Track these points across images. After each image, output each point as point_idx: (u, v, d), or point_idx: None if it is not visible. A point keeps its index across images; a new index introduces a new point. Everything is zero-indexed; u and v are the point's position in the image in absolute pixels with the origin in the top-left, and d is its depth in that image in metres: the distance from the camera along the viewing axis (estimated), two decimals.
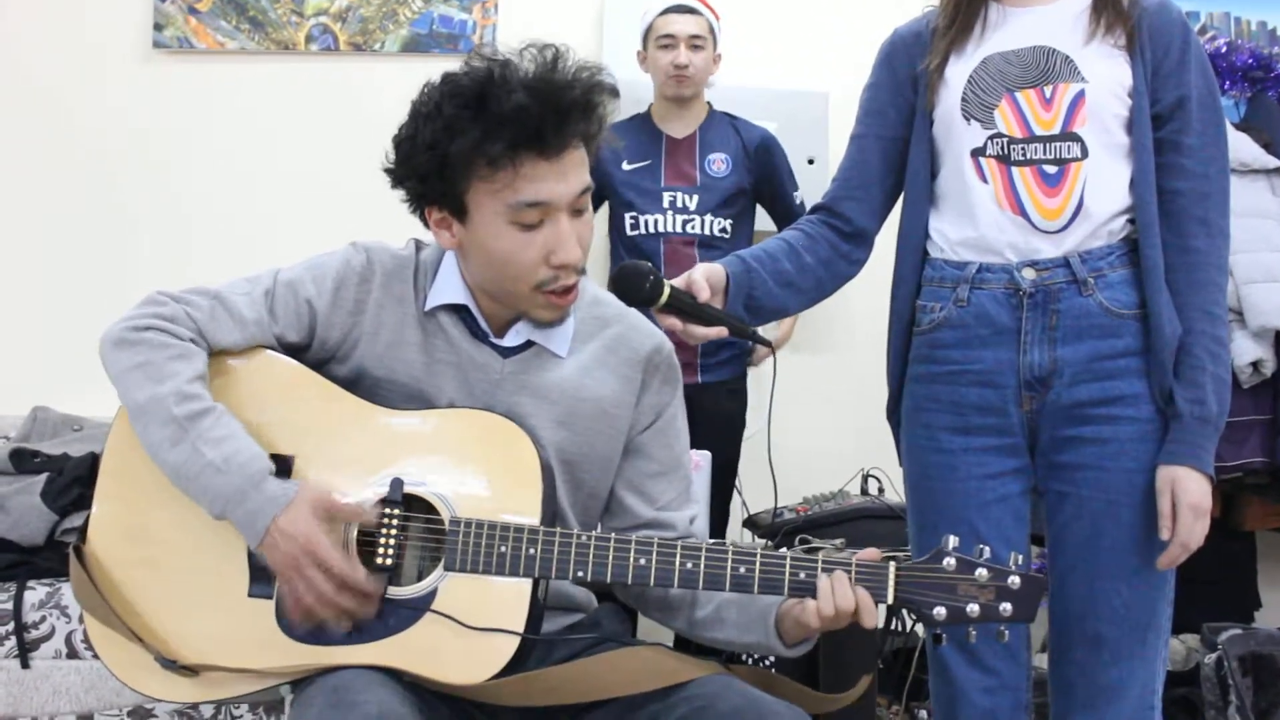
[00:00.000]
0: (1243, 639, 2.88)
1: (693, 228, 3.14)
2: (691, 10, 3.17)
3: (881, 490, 3.04)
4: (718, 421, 3.09)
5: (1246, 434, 2.86)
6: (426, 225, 1.60)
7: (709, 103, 3.30)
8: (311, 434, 1.54)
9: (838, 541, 2.82)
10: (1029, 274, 1.75)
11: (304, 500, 1.45)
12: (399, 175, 1.56)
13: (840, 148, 2.00)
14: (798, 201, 3.31)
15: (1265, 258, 2.88)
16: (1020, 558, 1.45)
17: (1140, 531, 1.72)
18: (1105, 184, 1.75)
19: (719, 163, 3.20)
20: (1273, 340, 2.82)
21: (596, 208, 3.00)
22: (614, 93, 1.56)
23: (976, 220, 1.79)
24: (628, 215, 3.16)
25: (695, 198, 3.16)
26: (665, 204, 3.15)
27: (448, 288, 1.62)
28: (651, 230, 3.15)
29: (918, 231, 1.86)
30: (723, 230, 3.16)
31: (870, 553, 1.47)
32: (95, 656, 2.34)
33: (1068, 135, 1.75)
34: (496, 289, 1.58)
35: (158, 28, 3.70)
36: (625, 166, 3.17)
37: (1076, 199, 1.74)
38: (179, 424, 1.46)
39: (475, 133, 1.46)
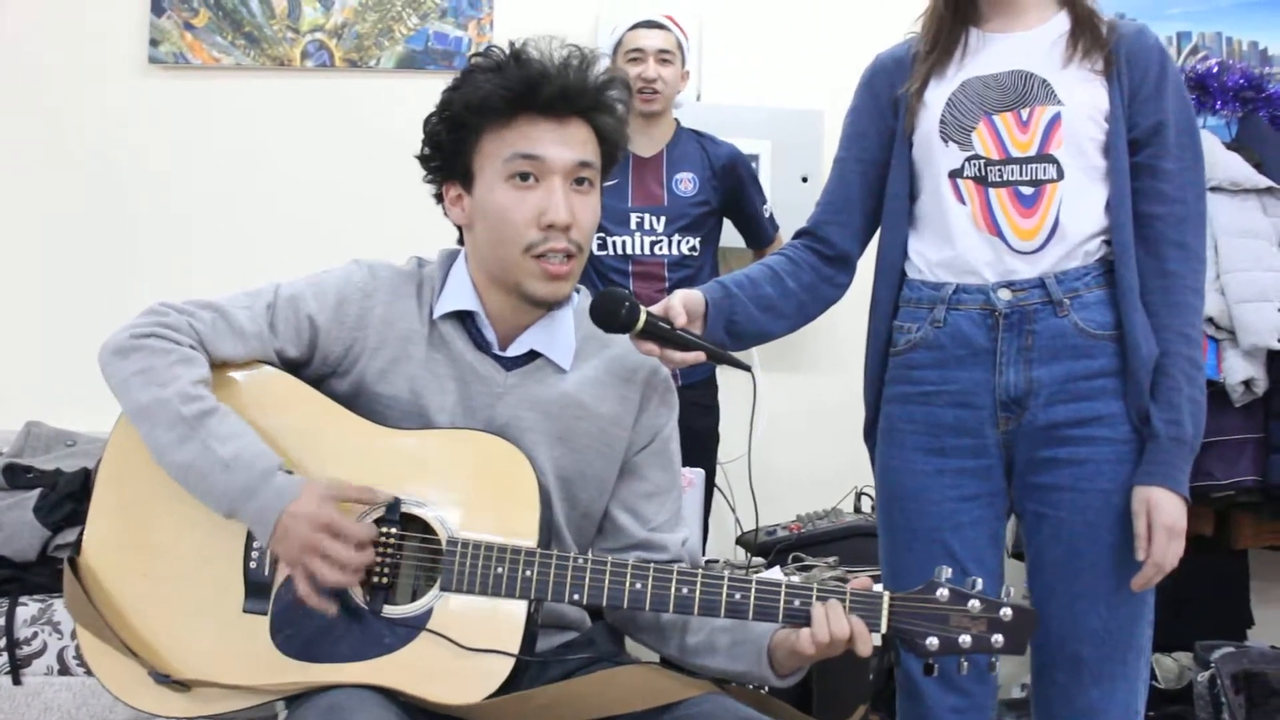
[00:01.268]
0: (1235, 657, 2.89)
1: (660, 249, 3.12)
2: (660, 26, 3.17)
3: (874, 508, 3.05)
4: (689, 440, 3.11)
5: (1238, 452, 2.87)
6: (446, 211, 1.65)
7: (676, 119, 3.27)
8: (310, 452, 1.54)
9: (831, 560, 2.83)
10: (1004, 295, 1.76)
11: (313, 488, 1.46)
12: (423, 154, 1.64)
13: None
14: (767, 215, 3.30)
15: (1257, 277, 2.90)
16: (1011, 590, 1.46)
17: (1118, 552, 1.73)
18: (1081, 205, 1.76)
19: (686, 182, 3.17)
20: (1264, 359, 2.83)
21: None
22: (628, 90, 1.63)
23: (954, 241, 1.80)
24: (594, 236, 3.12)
25: (662, 219, 3.12)
26: (633, 225, 3.12)
27: (456, 294, 1.63)
28: (620, 252, 3.11)
29: (895, 253, 1.88)
30: (691, 249, 3.14)
31: (863, 581, 1.48)
32: (87, 672, 2.34)
33: (1044, 157, 1.76)
34: (495, 263, 1.59)
35: (154, 43, 3.71)
36: None
37: (1052, 220, 1.76)
38: (187, 423, 1.46)
39: (486, 87, 1.54)
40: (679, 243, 3.13)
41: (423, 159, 1.65)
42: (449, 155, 1.61)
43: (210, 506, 1.48)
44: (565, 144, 1.56)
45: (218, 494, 1.46)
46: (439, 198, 1.66)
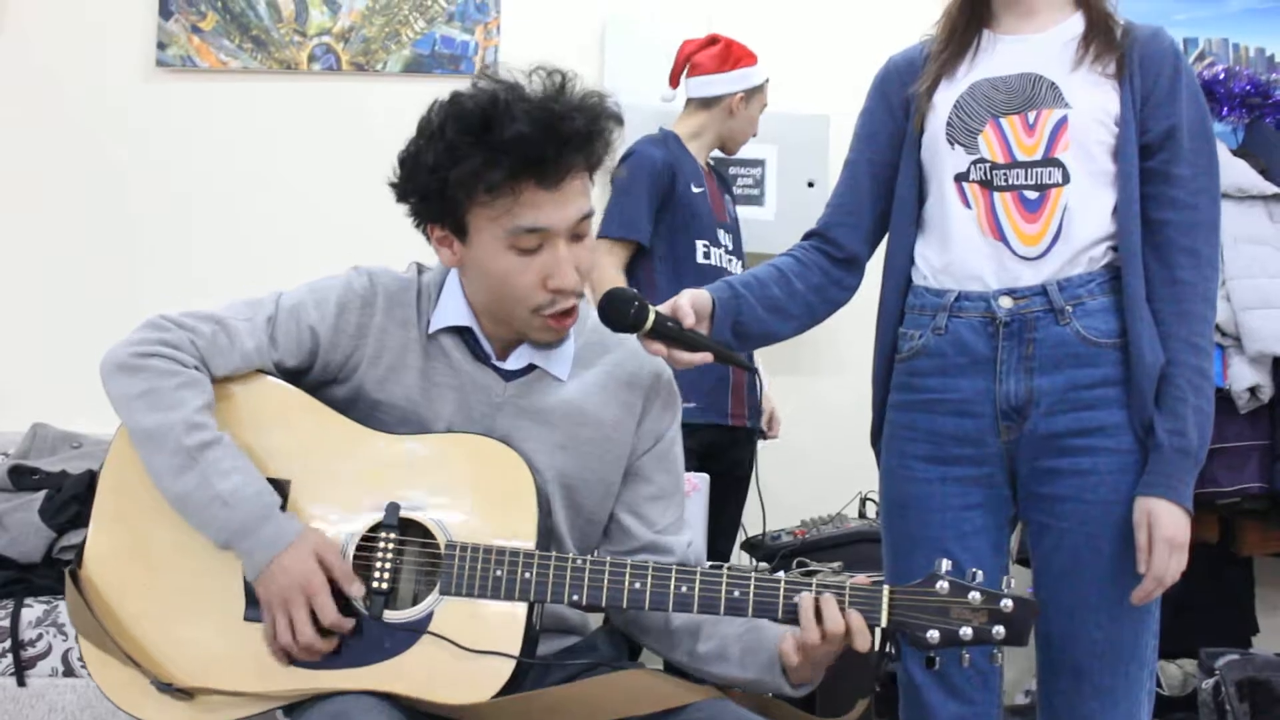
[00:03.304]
0: (1240, 664, 2.88)
1: (734, 267, 3.04)
2: None
3: (879, 514, 3.04)
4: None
5: (1244, 459, 2.87)
6: (429, 240, 1.61)
7: None
8: (308, 458, 1.54)
9: (835, 565, 2.83)
10: (1005, 303, 1.74)
11: (307, 542, 1.47)
12: (402, 191, 1.58)
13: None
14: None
15: (1263, 284, 2.89)
16: (1013, 581, 1.46)
17: (1120, 564, 1.71)
18: (1087, 210, 1.74)
19: (731, 203, 3.19)
20: (1270, 366, 2.83)
21: (657, 223, 2.93)
22: (619, 120, 1.57)
23: (958, 246, 1.79)
24: (700, 242, 2.99)
25: (731, 236, 3.10)
26: (721, 239, 3.05)
27: (451, 310, 1.62)
28: (719, 263, 3.01)
29: (902, 257, 1.86)
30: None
31: (864, 580, 1.48)
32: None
33: (1049, 161, 1.74)
34: (496, 309, 1.59)
35: (161, 46, 3.71)
36: (694, 189, 3.01)
37: (1056, 224, 1.74)
38: (188, 453, 1.47)
39: (477, 159, 1.46)
40: (741, 262, 3.09)
41: (401, 196, 1.58)
42: (434, 206, 1.54)
43: (206, 536, 1.49)
44: (565, 205, 1.51)
45: (215, 527, 1.48)
46: (422, 230, 1.61)
